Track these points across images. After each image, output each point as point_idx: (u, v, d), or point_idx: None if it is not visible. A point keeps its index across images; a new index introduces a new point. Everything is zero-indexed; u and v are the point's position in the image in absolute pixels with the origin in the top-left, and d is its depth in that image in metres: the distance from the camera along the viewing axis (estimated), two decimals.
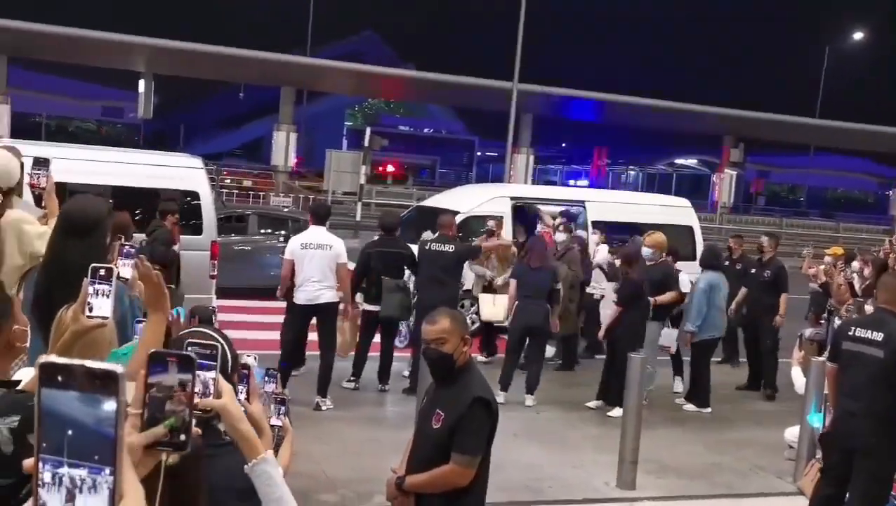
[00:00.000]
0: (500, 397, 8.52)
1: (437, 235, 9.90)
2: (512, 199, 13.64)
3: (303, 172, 42.00)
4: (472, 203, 13.46)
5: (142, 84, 37.75)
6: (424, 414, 3.86)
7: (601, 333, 9.65)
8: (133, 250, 3.70)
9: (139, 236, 9.82)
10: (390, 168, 55.93)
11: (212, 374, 1.81)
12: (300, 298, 8.86)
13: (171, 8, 77.99)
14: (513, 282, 9.78)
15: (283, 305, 9.32)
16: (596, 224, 13.34)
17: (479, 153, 68.23)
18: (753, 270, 11.18)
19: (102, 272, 2.49)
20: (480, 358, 10.79)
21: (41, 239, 4.06)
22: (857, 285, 9.86)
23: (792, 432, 7.89)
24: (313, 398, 8.79)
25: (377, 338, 9.65)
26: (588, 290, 11.38)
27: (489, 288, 11.44)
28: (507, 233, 12.67)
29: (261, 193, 30.86)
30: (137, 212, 11.00)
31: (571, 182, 57.21)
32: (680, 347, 10.21)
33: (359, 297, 9.64)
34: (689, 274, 10.55)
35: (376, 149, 26.61)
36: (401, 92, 50.48)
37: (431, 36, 79.81)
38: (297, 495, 2.08)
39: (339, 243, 8.94)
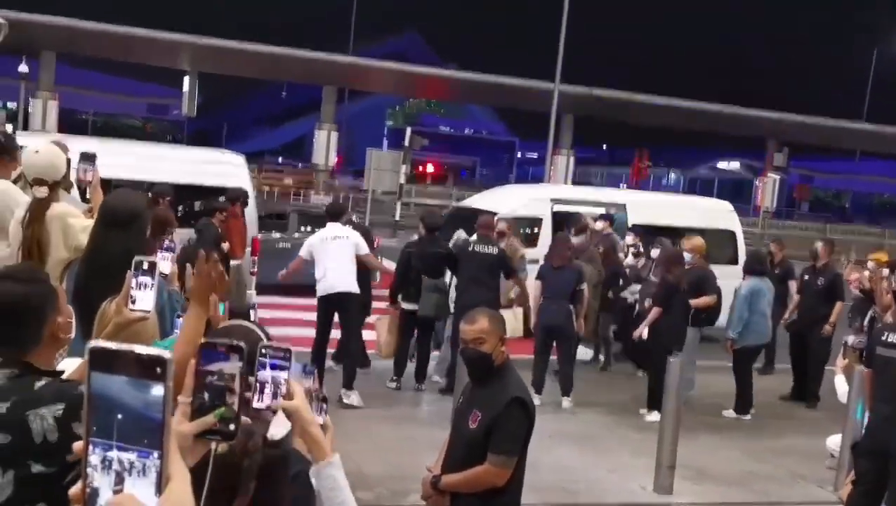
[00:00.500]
0: (535, 400, 8.50)
1: (477, 235, 9.90)
2: (552, 200, 13.58)
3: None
4: (511, 204, 13.42)
5: (186, 82, 38.22)
6: (461, 414, 3.85)
7: (636, 333, 9.50)
8: (173, 245, 3.75)
9: (184, 232, 9.98)
10: (430, 168, 56.05)
11: (284, 374, 1.83)
12: (320, 289, 8.97)
13: (216, 6, 78.91)
14: (537, 283, 9.74)
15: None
16: (636, 226, 13.22)
17: (519, 154, 68.09)
18: (807, 277, 11.01)
19: (146, 266, 2.52)
20: None
21: (86, 232, 4.12)
22: None
23: (834, 441, 7.76)
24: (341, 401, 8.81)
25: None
26: (623, 294, 11.31)
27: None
28: (546, 235, 12.64)
29: (301, 192, 31.09)
30: (181, 207, 11.18)
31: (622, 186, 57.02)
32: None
33: (398, 296, 9.68)
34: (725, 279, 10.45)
35: (416, 148, 26.69)
36: (442, 92, 50.53)
37: (473, 36, 79.90)
38: None
39: (356, 235, 9.12)
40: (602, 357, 11.67)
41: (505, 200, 13.90)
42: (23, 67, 35.74)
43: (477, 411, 3.70)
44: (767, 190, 39.54)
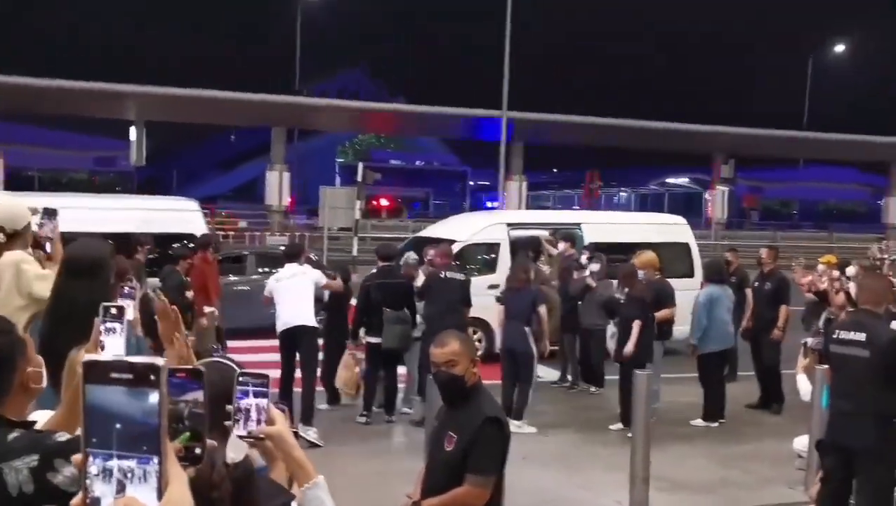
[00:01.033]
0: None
1: (433, 262, 9.98)
2: (508, 225, 13.70)
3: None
4: (469, 231, 13.53)
5: (133, 132, 37.89)
6: (436, 437, 3.87)
7: (626, 351, 9.44)
8: (133, 291, 3.74)
9: (153, 281, 9.91)
10: (384, 202, 56.05)
11: (264, 401, 1.85)
12: (278, 326, 9.04)
13: (158, 54, 78.58)
14: (499, 306, 9.92)
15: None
16: (591, 245, 13.37)
17: (472, 183, 68.47)
18: (757, 284, 11.22)
19: (113, 311, 2.52)
20: None
21: (41, 281, 4.08)
22: (853, 293, 9.88)
23: (801, 442, 7.87)
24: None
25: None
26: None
27: None
28: (504, 260, 12.73)
29: (256, 234, 30.91)
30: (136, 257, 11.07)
31: (576, 207, 57.39)
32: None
33: (361, 331, 9.70)
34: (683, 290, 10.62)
35: (370, 183, 26.71)
36: (392, 126, 50.72)
37: (419, 69, 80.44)
38: None
39: (314, 271, 9.23)
40: (570, 377, 11.74)
41: (462, 228, 14.01)
42: None
43: (452, 434, 3.72)
44: (717, 202, 40.15)
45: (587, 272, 11.23)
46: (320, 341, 9.57)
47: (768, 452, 8.86)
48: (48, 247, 4.53)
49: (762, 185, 65.28)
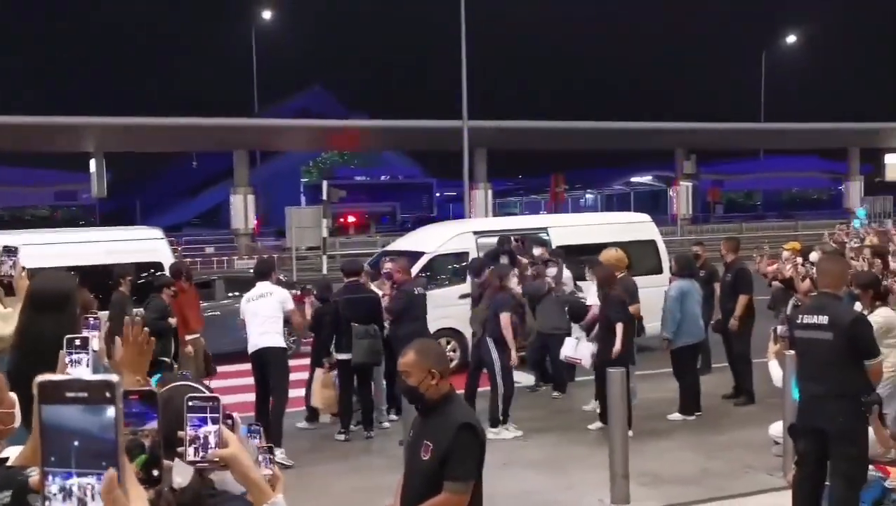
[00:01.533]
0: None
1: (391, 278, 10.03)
2: (475, 233, 13.75)
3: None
4: (437, 242, 13.55)
5: (93, 164, 37.53)
6: (412, 447, 3.89)
7: (614, 353, 9.34)
8: (98, 322, 3.74)
9: (104, 314, 9.81)
10: (351, 219, 55.92)
11: (217, 425, 1.85)
12: (249, 348, 9.05)
13: (115, 85, 78.00)
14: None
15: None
16: (559, 248, 13.45)
17: (438, 194, 68.54)
18: (722, 276, 11.35)
19: (78, 342, 2.52)
20: None
21: (4, 320, 4.05)
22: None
23: (776, 428, 7.98)
24: (292, 457, 8.71)
25: None
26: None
27: None
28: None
29: (224, 259, 30.73)
30: (100, 290, 10.98)
31: (542, 212, 57.63)
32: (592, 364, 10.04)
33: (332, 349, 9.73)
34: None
35: (335, 201, 26.64)
36: (353, 142, 50.69)
37: (378, 84, 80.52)
38: None
39: (282, 292, 9.13)
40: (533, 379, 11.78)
41: (430, 239, 14.03)
42: None
43: (427, 442, 3.74)
44: (681, 198, 40.41)
45: (548, 277, 11.29)
46: (302, 362, 9.58)
47: (746, 440, 8.96)
48: (11, 284, 4.48)
49: (725, 178, 65.95)
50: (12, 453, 2.51)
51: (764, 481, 7.73)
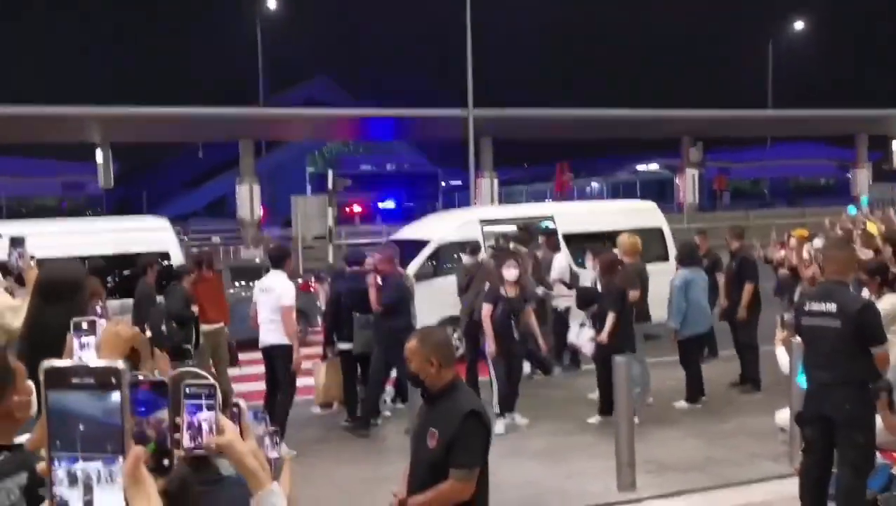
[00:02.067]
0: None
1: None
2: (481, 221, 13.75)
3: None
4: (443, 231, 13.55)
5: (99, 154, 37.64)
6: (419, 435, 3.91)
7: (600, 339, 9.39)
8: (105, 310, 3.76)
9: (115, 303, 9.88)
10: (357, 208, 55.99)
11: (212, 412, 1.85)
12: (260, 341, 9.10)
13: (121, 75, 78.01)
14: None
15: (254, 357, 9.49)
16: (565, 236, 13.45)
17: (443, 183, 68.53)
18: (728, 265, 11.35)
19: (85, 326, 2.53)
20: None
21: (13, 312, 4.07)
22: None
23: (782, 416, 7.96)
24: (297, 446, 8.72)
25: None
26: (555, 303, 11.59)
27: None
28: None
29: (230, 248, 30.80)
30: (109, 279, 11.05)
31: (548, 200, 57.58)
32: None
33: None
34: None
35: (340, 190, 26.66)
36: (359, 131, 50.69)
37: (383, 72, 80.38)
38: None
39: (283, 286, 8.89)
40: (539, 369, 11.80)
41: (436, 228, 14.04)
42: None
43: (434, 430, 3.75)
44: (687, 186, 40.48)
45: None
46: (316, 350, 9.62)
47: (752, 428, 8.96)
48: (21, 275, 4.52)
49: (731, 166, 65.81)
50: (25, 438, 2.53)
51: (769, 469, 7.74)
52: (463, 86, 28.81)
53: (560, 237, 13.42)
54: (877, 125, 45.56)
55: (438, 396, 3.82)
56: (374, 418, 9.69)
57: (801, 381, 6.66)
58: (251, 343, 10.11)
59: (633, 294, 9.83)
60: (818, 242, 10.82)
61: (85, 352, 2.51)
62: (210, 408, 1.82)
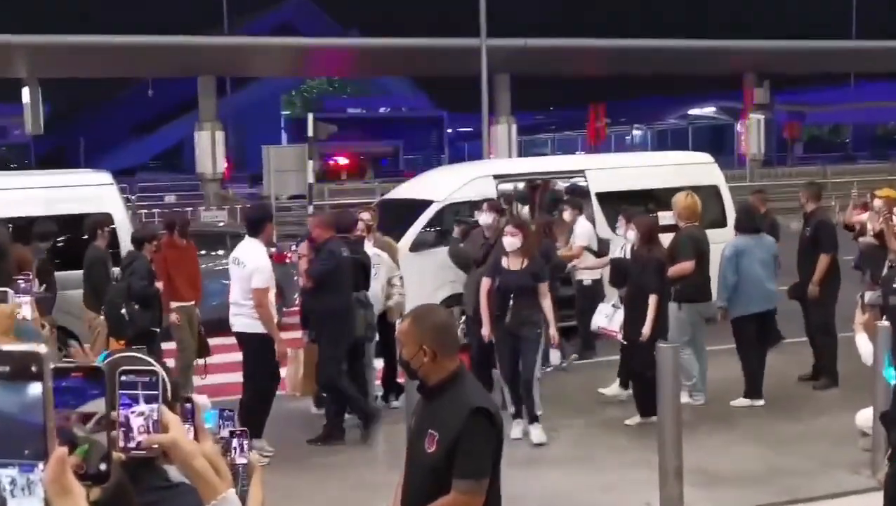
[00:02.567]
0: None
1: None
2: (496, 178, 13.72)
3: None
4: (448, 189, 13.52)
5: (26, 93, 37.51)
6: (414, 438, 3.92)
7: (645, 332, 9.33)
8: (30, 285, 3.77)
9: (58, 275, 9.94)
10: (343, 161, 55.91)
11: (154, 405, 1.84)
12: None
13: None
14: None
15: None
16: (598, 196, 13.42)
17: (449, 130, 68.42)
18: (801, 231, 11.33)
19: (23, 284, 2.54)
20: None
21: None
22: None
23: (864, 417, 7.98)
24: (282, 447, 8.79)
25: None
26: (579, 276, 11.80)
27: None
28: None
29: (188, 209, 30.85)
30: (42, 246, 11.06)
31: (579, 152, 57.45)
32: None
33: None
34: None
35: (323, 139, 26.65)
36: (345, 66, 50.48)
37: None
38: None
39: (255, 260, 8.73)
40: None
41: (439, 185, 14.01)
42: None
43: (433, 431, 3.76)
44: (752, 134, 40.20)
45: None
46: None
47: (826, 431, 9.00)
48: None
49: (805, 109, 65.46)
50: None
51: (846, 481, 7.78)
52: (474, 8, 28.61)
53: (592, 196, 13.41)
54: None
55: (438, 390, 3.82)
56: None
57: (889, 375, 6.65)
58: (219, 325, 10.19)
59: (684, 266, 9.80)
60: None
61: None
62: (150, 400, 1.80)
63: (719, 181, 14.60)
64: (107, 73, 44.81)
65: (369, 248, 10.17)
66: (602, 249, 12.14)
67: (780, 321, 11.24)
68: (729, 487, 7.80)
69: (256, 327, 8.73)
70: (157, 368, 1.89)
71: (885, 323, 7.29)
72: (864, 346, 7.36)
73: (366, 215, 10.70)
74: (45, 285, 10.22)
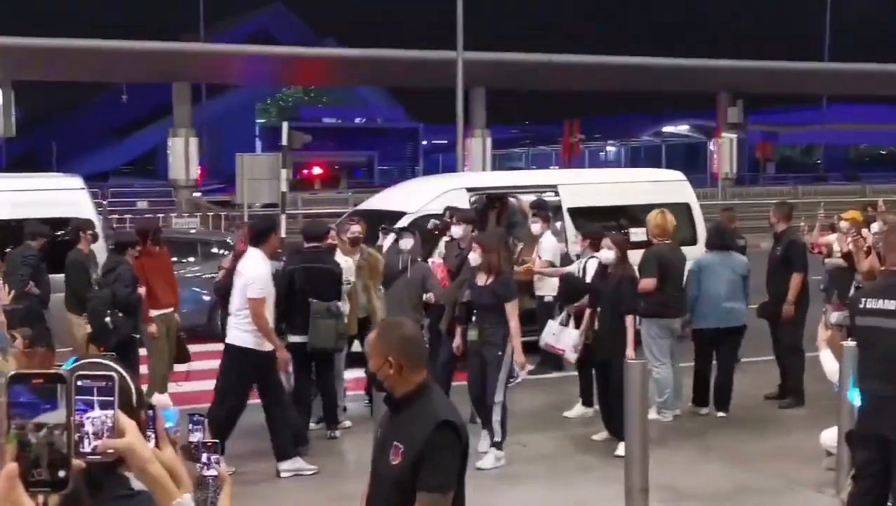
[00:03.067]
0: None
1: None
2: (469, 190, 13.76)
3: None
4: (421, 200, 13.54)
5: None
6: (380, 449, 3.91)
7: (628, 354, 9.25)
8: None
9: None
10: (317, 170, 55.80)
11: (110, 411, 1.83)
12: None
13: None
14: None
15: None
16: (570, 211, 13.48)
17: (424, 142, 68.43)
18: (771, 250, 11.41)
19: None
20: None
21: None
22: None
23: (829, 436, 8.04)
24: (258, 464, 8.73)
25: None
26: (539, 292, 11.82)
27: None
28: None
29: (160, 215, 30.70)
30: (8, 251, 10.99)
31: (554, 167, 57.45)
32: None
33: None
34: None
35: (297, 148, 26.55)
36: (321, 75, 50.46)
37: (352, 4, 79.94)
38: None
39: (252, 269, 8.62)
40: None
41: (412, 196, 14.04)
42: None
43: (398, 444, 3.76)
44: (724, 153, 40.39)
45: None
46: None
47: (792, 449, 9.06)
48: None
49: (778, 129, 65.97)
50: None
51: (811, 500, 7.82)
52: (451, 21, 28.67)
53: (564, 212, 13.47)
54: None
55: (404, 402, 3.83)
56: (333, 429, 9.74)
57: (853, 396, 6.71)
58: (191, 332, 10.16)
59: (645, 283, 9.86)
60: (877, 227, 10.88)
61: None
62: (105, 406, 1.79)
63: (691, 199, 14.71)
64: (81, 77, 44.58)
65: (340, 257, 10.16)
66: (566, 264, 12.12)
67: (747, 339, 11.34)
68: (695, 504, 7.82)
69: (246, 341, 8.59)
70: (114, 373, 1.88)
71: (850, 343, 7.36)
72: (829, 363, 7.42)
73: (356, 228, 10.66)
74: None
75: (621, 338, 9.19)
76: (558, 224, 12.92)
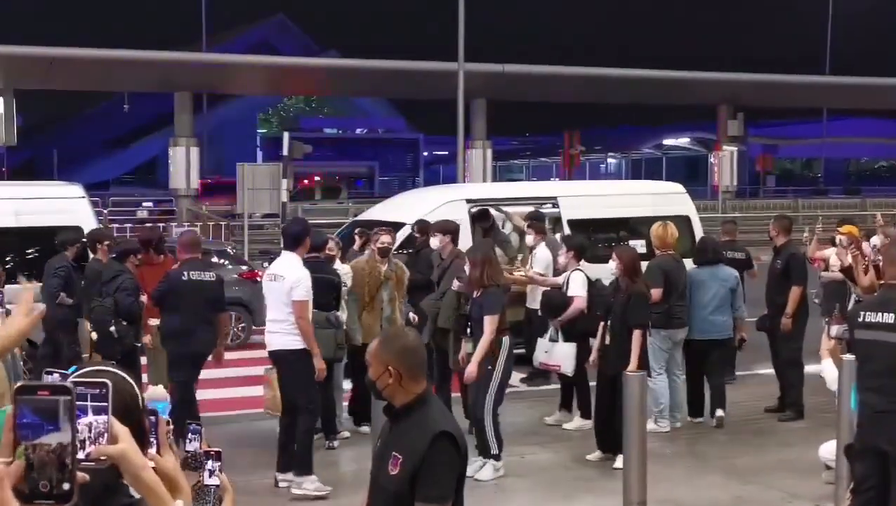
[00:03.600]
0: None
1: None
2: (469, 202, 13.76)
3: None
4: (421, 211, 13.53)
5: (0, 103, 37.33)
6: (379, 460, 3.91)
7: (632, 367, 9.30)
8: (0, 297, 3.73)
9: (12, 288, 9.84)
10: (318, 180, 55.87)
11: (103, 417, 1.83)
12: None
13: (29, 6, 77.36)
14: None
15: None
16: (570, 223, 13.46)
17: (425, 153, 68.51)
18: (771, 262, 11.42)
19: None
20: None
21: None
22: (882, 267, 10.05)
23: (828, 449, 8.02)
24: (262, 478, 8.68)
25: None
26: (530, 305, 11.71)
27: None
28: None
29: (161, 224, 30.73)
30: (8, 259, 11.01)
31: (554, 178, 57.41)
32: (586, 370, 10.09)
33: None
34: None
35: (298, 158, 26.62)
36: (323, 86, 50.52)
37: (354, 15, 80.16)
38: None
39: (294, 272, 8.52)
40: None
41: (412, 207, 14.02)
42: None
43: (397, 454, 3.76)
44: (724, 166, 40.44)
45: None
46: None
47: (791, 463, 9.05)
48: None
49: (778, 143, 66.06)
50: None
51: None
52: (453, 32, 28.73)
53: (564, 224, 13.46)
54: None
55: (403, 412, 3.83)
56: (332, 440, 9.71)
57: (854, 407, 6.72)
58: None
59: (653, 293, 9.82)
60: (877, 240, 10.89)
61: None
62: (98, 412, 1.80)
63: (691, 212, 14.69)
64: (82, 86, 44.61)
65: (338, 264, 10.18)
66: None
67: (747, 352, 11.33)
68: None
69: (296, 344, 8.50)
70: (108, 380, 1.88)
71: (849, 357, 7.36)
72: (830, 371, 7.40)
73: (386, 238, 10.49)
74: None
75: (630, 352, 9.17)
76: (557, 236, 12.88)
